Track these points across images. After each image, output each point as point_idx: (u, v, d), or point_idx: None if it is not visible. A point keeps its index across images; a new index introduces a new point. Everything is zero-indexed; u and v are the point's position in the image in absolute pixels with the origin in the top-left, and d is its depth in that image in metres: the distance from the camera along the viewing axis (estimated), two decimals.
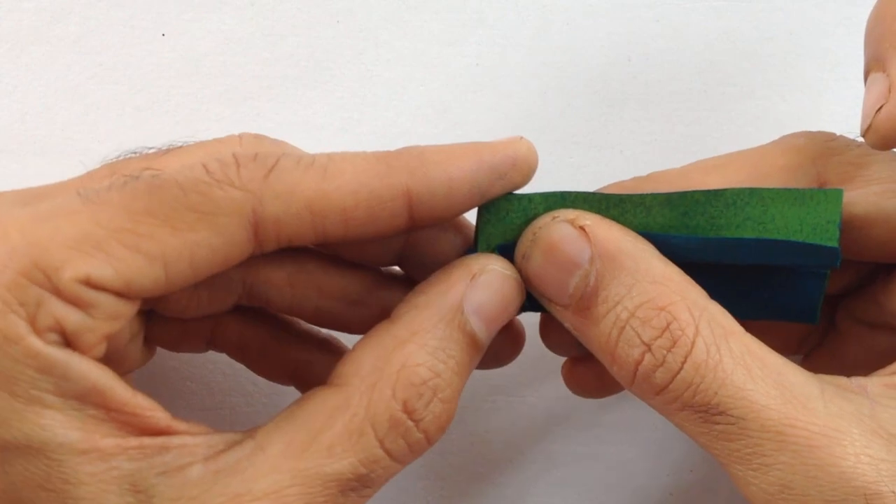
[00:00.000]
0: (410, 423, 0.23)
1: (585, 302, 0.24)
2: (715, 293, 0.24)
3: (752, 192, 0.24)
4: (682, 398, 0.22)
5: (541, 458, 0.33)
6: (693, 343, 0.22)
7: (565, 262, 0.24)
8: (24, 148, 0.32)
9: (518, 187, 0.25)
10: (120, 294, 0.22)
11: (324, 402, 0.23)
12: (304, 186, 0.23)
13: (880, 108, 0.24)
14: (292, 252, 0.26)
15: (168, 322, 0.27)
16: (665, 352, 0.22)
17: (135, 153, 0.26)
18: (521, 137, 0.24)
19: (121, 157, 0.25)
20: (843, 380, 0.23)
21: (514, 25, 0.33)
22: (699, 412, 0.22)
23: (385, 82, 0.33)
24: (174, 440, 0.22)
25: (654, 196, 0.25)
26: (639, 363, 0.23)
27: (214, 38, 0.33)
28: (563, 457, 0.33)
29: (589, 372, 0.29)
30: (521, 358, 0.32)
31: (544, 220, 0.24)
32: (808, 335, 0.29)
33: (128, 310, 0.22)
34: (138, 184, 0.22)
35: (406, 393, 0.23)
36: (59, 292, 0.21)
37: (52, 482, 0.21)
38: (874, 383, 0.23)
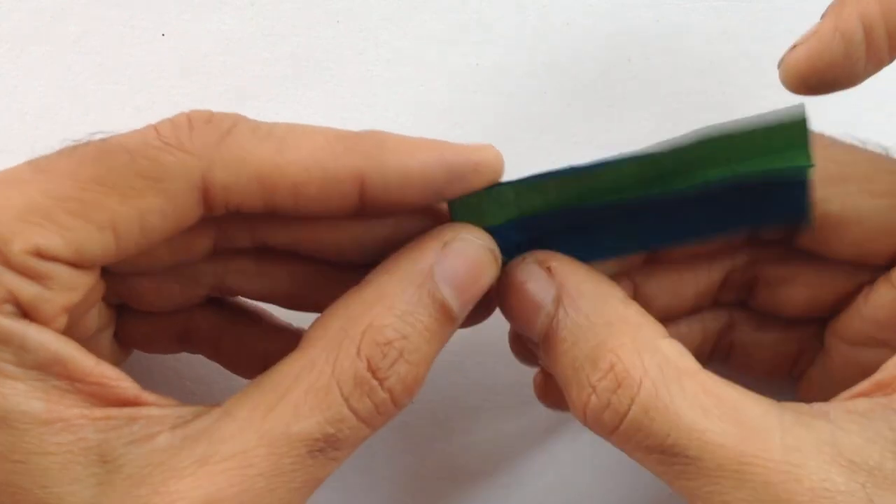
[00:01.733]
0: (375, 382, 0.22)
1: (549, 341, 0.24)
2: (702, 215, 0.24)
3: (718, 133, 0.24)
4: (634, 439, 0.22)
5: (540, 458, 0.33)
6: (640, 384, 0.22)
7: (532, 303, 0.24)
8: (24, 148, 0.32)
9: (478, 189, 0.24)
10: (72, 264, 0.22)
11: (291, 364, 0.23)
12: (257, 157, 0.23)
13: (795, 45, 0.24)
14: (260, 244, 0.26)
15: (140, 317, 0.27)
16: (610, 394, 0.22)
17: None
18: (491, 146, 0.24)
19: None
20: (804, 406, 0.23)
21: (514, 25, 0.33)
22: (655, 453, 0.22)
23: (385, 82, 0.33)
24: (142, 411, 0.22)
25: (620, 159, 0.24)
26: (585, 405, 0.23)
27: (214, 38, 0.33)
28: (563, 457, 0.33)
29: (557, 384, 0.28)
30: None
31: (516, 261, 0.25)
32: (799, 356, 0.29)
33: (83, 280, 0.22)
34: (87, 149, 0.22)
35: (370, 351, 0.22)
36: (9, 264, 0.21)
37: (17, 453, 0.21)
38: (836, 408, 0.23)
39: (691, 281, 0.28)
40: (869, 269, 0.27)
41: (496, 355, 0.33)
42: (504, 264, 0.25)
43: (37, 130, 0.32)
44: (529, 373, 0.32)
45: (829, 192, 0.25)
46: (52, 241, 0.21)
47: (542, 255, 0.25)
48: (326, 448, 0.22)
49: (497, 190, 0.25)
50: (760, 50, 0.33)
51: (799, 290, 0.28)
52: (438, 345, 0.24)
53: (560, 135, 0.33)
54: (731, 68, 0.33)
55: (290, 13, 0.33)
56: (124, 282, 0.26)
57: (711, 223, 0.26)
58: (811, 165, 0.24)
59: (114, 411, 0.22)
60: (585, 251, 0.26)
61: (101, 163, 0.22)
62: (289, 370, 0.23)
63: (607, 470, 0.33)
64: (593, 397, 0.23)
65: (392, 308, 0.23)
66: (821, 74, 0.24)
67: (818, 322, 0.28)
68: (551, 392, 0.29)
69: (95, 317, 0.25)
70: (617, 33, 0.33)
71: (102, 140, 0.22)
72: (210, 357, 0.28)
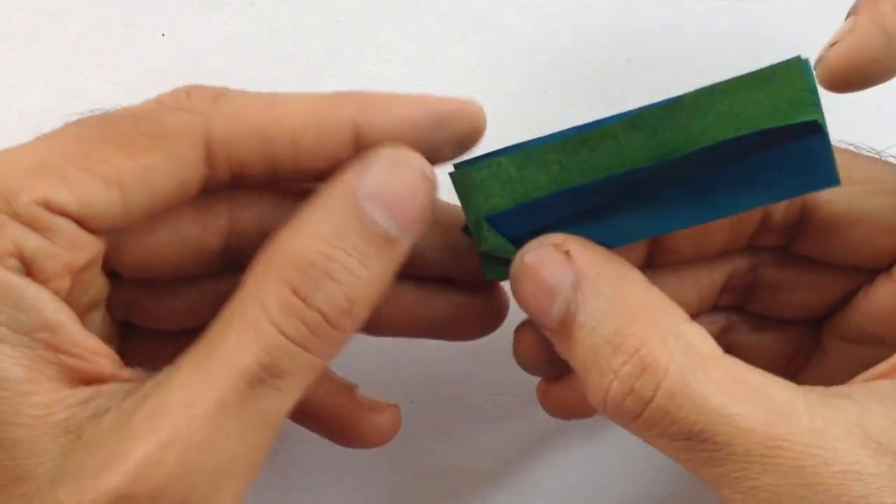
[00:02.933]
0: (300, 304, 0.22)
1: (566, 326, 0.23)
2: (720, 191, 0.23)
3: (712, 90, 0.23)
4: (658, 426, 0.22)
5: (541, 458, 0.33)
6: (666, 370, 0.22)
7: (548, 287, 0.24)
8: None
9: (463, 139, 0.24)
10: (78, 220, 0.22)
11: (226, 310, 0.23)
12: (254, 110, 0.23)
13: (835, 42, 0.24)
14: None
15: (145, 336, 0.27)
16: (633, 379, 0.22)
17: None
18: (470, 99, 0.24)
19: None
20: (826, 388, 0.23)
21: (514, 25, 0.33)
22: (680, 440, 0.22)
23: (385, 82, 0.33)
24: (111, 386, 0.22)
25: (616, 124, 0.24)
26: (607, 391, 0.22)
27: (214, 38, 0.33)
28: (563, 457, 0.33)
29: (561, 392, 0.28)
30: None
31: (531, 245, 0.24)
32: (795, 356, 0.29)
33: (88, 241, 0.22)
34: (93, 117, 0.23)
35: (290, 275, 0.22)
36: (17, 216, 0.21)
37: None
38: (857, 390, 0.22)
39: (692, 285, 0.28)
40: (868, 272, 0.27)
41: (496, 355, 0.33)
42: (512, 255, 0.25)
43: (37, 130, 0.32)
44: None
45: (831, 195, 0.25)
46: (60, 193, 0.21)
47: (557, 238, 0.24)
48: (267, 378, 0.22)
49: (496, 161, 0.25)
50: (760, 50, 0.33)
51: (798, 293, 0.28)
52: (383, 269, 0.23)
53: None
54: (731, 68, 0.33)
55: (290, 13, 0.33)
56: (130, 292, 0.26)
57: (728, 197, 0.24)
58: (819, 115, 0.22)
59: (86, 390, 0.22)
60: (599, 238, 0.25)
61: (107, 124, 0.23)
62: (225, 314, 0.23)
63: (608, 470, 0.33)
64: (615, 383, 0.22)
65: (315, 235, 0.22)
66: (863, 71, 0.23)
67: (814, 321, 0.28)
68: (556, 401, 0.28)
69: (99, 323, 0.25)
70: (617, 33, 0.33)
71: (107, 110, 0.23)
72: None
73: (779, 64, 0.23)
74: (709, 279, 0.28)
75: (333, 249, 0.22)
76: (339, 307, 0.22)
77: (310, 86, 0.33)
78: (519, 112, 0.33)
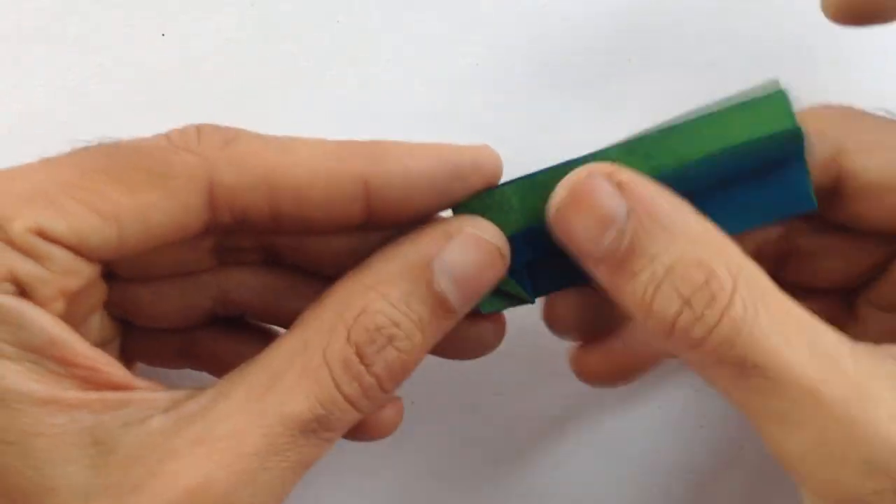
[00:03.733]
0: (362, 367, 0.23)
1: (620, 258, 0.23)
2: (703, 212, 0.24)
3: (705, 115, 0.24)
4: (717, 353, 0.22)
5: (541, 458, 0.33)
6: (731, 299, 0.22)
7: (601, 217, 0.23)
8: (25, 148, 0.32)
9: (478, 189, 0.25)
10: (73, 249, 0.22)
11: (285, 345, 0.23)
12: (262, 158, 0.23)
13: None
14: (265, 259, 0.26)
15: (145, 334, 0.27)
16: (703, 307, 0.22)
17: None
18: (487, 146, 0.24)
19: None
20: (871, 345, 0.23)
21: (514, 25, 0.33)
22: (734, 367, 0.22)
23: (385, 82, 0.33)
24: (136, 395, 0.22)
25: (615, 149, 0.25)
26: (676, 318, 0.22)
27: (214, 38, 0.33)
28: (563, 457, 0.33)
29: (598, 358, 0.28)
30: (520, 358, 0.32)
31: (580, 175, 0.24)
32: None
33: (83, 268, 0.22)
34: (97, 148, 0.23)
35: (360, 337, 0.23)
36: (11, 242, 0.21)
37: (12, 433, 0.21)
38: None
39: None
40: None
41: (497, 355, 0.33)
42: (511, 287, 0.25)
43: (37, 130, 0.32)
44: (530, 372, 0.32)
45: (866, 160, 0.25)
46: (55, 222, 0.22)
47: (607, 167, 0.24)
48: (318, 429, 0.22)
49: (500, 191, 0.25)
50: (760, 50, 0.33)
51: (833, 261, 0.28)
52: (434, 337, 0.24)
53: (560, 135, 0.33)
54: (731, 68, 0.33)
55: (290, 13, 0.33)
56: (125, 290, 0.26)
57: (715, 220, 0.25)
58: (798, 129, 0.24)
59: (108, 394, 0.22)
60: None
61: (110, 157, 0.23)
62: (283, 351, 0.23)
63: (609, 470, 0.33)
64: (687, 310, 0.22)
65: (387, 295, 0.23)
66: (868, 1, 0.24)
67: (847, 291, 0.28)
68: (591, 366, 0.28)
69: (98, 326, 0.25)
70: (617, 33, 0.33)
71: (114, 142, 0.23)
72: (216, 377, 0.29)
73: (763, 96, 0.24)
74: (740, 247, 0.28)
75: (399, 315, 0.23)
76: (392, 375, 0.23)
77: (310, 86, 0.33)
78: (519, 112, 0.33)
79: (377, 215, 0.24)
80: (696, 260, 0.22)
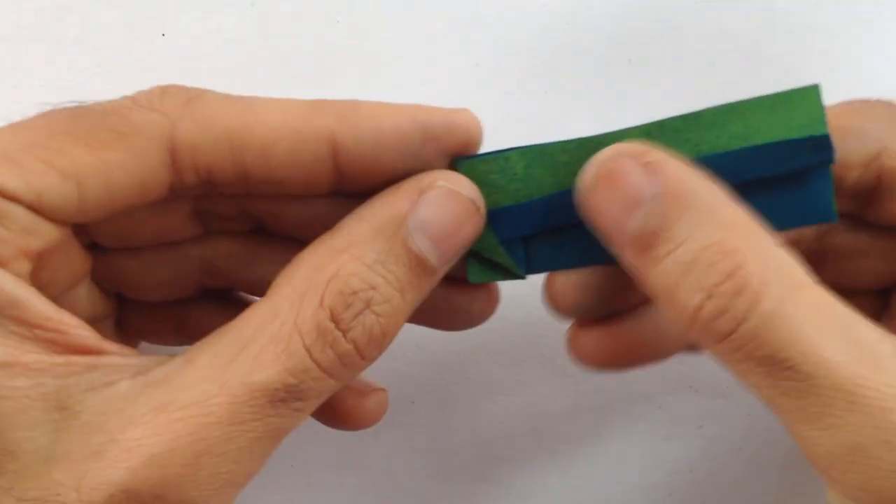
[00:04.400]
0: (338, 333, 0.22)
1: (647, 240, 0.22)
2: None
3: (731, 108, 0.23)
4: (745, 349, 0.21)
5: (541, 458, 0.33)
6: (760, 292, 0.21)
7: (629, 198, 0.22)
8: None
9: (457, 153, 0.24)
10: (32, 207, 0.22)
11: (255, 313, 0.22)
12: (226, 116, 0.23)
13: None
14: (250, 228, 0.26)
15: (139, 308, 0.27)
16: (729, 298, 0.21)
17: None
18: (466, 109, 0.24)
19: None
20: None
21: (514, 25, 0.33)
22: (763, 363, 0.21)
23: (385, 82, 0.33)
24: (103, 359, 0.22)
25: (633, 130, 0.24)
26: (699, 309, 0.21)
27: (214, 38, 0.33)
28: (564, 457, 0.33)
29: (596, 338, 0.27)
30: (521, 357, 0.33)
31: (609, 153, 0.23)
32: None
33: (45, 228, 0.22)
34: (63, 110, 0.23)
35: (334, 301, 0.22)
36: None
37: None
38: None
39: None
40: None
41: (497, 354, 0.33)
42: (503, 258, 0.24)
43: None
44: (530, 372, 0.32)
45: None
46: (13, 181, 0.21)
47: (638, 147, 0.23)
48: (288, 398, 0.22)
49: (505, 156, 0.24)
50: (760, 50, 0.33)
51: (870, 261, 0.27)
52: (414, 298, 0.23)
53: (560, 134, 0.33)
54: (731, 68, 0.33)
55: (290, 13, 0.33)
56: (112, 261, 0.25)
57: None
58: (827, 136, 0.23)
59: (74, 358, 0.21)
60: (598, 251, 0.24)
61: (74, 118, 0.22)
62: (253, 319, 0.22)
63: (609, 470, 0.33)
64: (710, 301, 0.21)
65: (361, 257, 0.22)
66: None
67: (883, 291, 0.27)
68: (589, 348, 0.27)
69: (87, 299, 0.25)
70: (617, 33, 0.33)
71: (79, 103, 0.23)
72: None
73: (795, 89, 0.23)
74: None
75: (376, 277, 0.22)
76: (372, 340, 0.22)
77: (310, 86, 0.33)
78: (519, 112, 0.33)
79: (348, 176, 0.23)
80: (724, 248, 0.21)
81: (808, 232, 0.27)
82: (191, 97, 0.23)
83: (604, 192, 0.23)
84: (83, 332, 0.22)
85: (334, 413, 0.26)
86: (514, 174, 0.24)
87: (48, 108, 0.23)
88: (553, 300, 0.26)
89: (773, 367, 0.21)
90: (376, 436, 0.33)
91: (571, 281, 0.26)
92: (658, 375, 0.33)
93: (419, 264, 0.23)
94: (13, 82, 0.32)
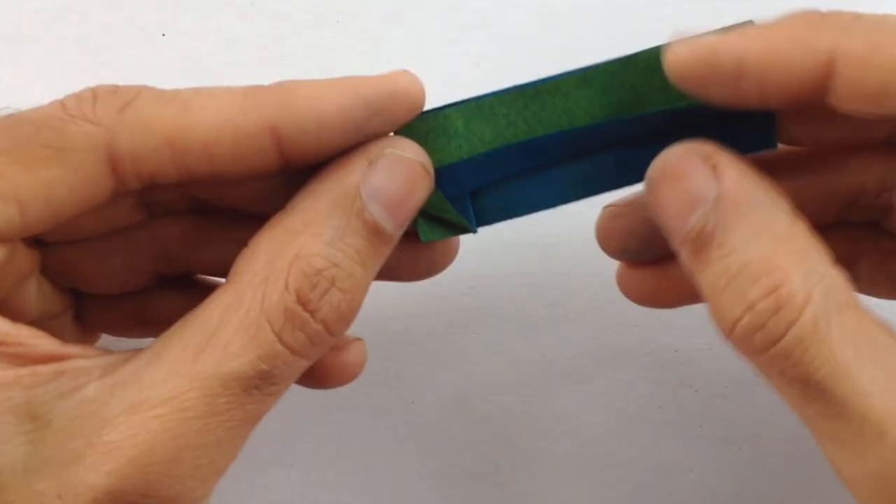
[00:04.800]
0: (306, 315, 0.22)
1: (701, 242, 0.22)
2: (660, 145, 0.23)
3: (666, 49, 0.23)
4: (780, 366, 0.21)
5: (541, 458, 0.33)
6: (801, 311, 0.21)
7: (690, 198, 0.22)
8: None
9: (400, 123, 0.24)
10: None
11: (218, 301, 0.22)
12: (163, 121, 0.22)
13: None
14: (195, 207, 0.26)
15: (97, 302, 0.26)
16: (768, 316, 0.21)
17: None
18: (408, 71, 0.24)
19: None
20: None
21: (514, 25, 0.33)
22: (797, 384, 0.21)
23: None
24: (68, 364, 0.21)
25: (569, 78, 0.24)
26: (737, 321, 0.21)
27: (214, 38, 0.33)
28: (564, 457, 0.33)
29: (641, 278, 0.27)
30: (522, 357, 0.32)
31: (676, 150, 0.23)
32: None
33: None
34: None
35: (299, 283, 0.22)
36: None
37: None
38: None
39: (808, 191, 0.26)
40: None
41: (497, 354, 0.33)
42: (452, 215, 0.24)
43: None
44: (530, 372, 0.32)
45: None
46: None
47: (707, 148, 0.23)
48: (262, 384, 0.22)
49: (443, 114, 0.24)
50: None
51: None
52: (374, 267, 0.23)
53: None
54: None
55: (290, 13, 0.33)
56: (60, 254, 0.25)
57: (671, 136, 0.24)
58: (772, 114, 0.23)
59: (39, 368, 0.21)
60: (543, 197, 0.25)
61: (6, 134, 0.22)
62: (217, 306, 0.22)
63: (609, 470, 0.33)
64: (748, 316, 0.21)
65: (320, 235, 0.22)
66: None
67: None
68: (638, 286, 0.27)
69: (37, 295, 0.25)
70: (617, 33, 0.33)
71: (8, 114, 0.22)
72: None
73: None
74: (830, 186, 0.26)
75: (337, 253, 0.22)
76: (341, 317, 0.22)
77: None
78: None
79: (293, 160, 0.23)
80: (771, 263, 0.21)
81: (873, 172, 0.26)
82: (124, 102, 0.22)
83: (669, 188, 0.23)
84: (42, 342, 0.22)
85: (313, 372, 0.25)
86: (454, 131, 0.24)
87: None
88: (603, 242, 0.27)
89: (806, 387, 0.21)
90: (376, 436, 0.33)
91: (621, 227, 0.26)
92: (658, 375, 0.33)
93: (376, 234, 0.23)
94: (13, 82, 0.32)
